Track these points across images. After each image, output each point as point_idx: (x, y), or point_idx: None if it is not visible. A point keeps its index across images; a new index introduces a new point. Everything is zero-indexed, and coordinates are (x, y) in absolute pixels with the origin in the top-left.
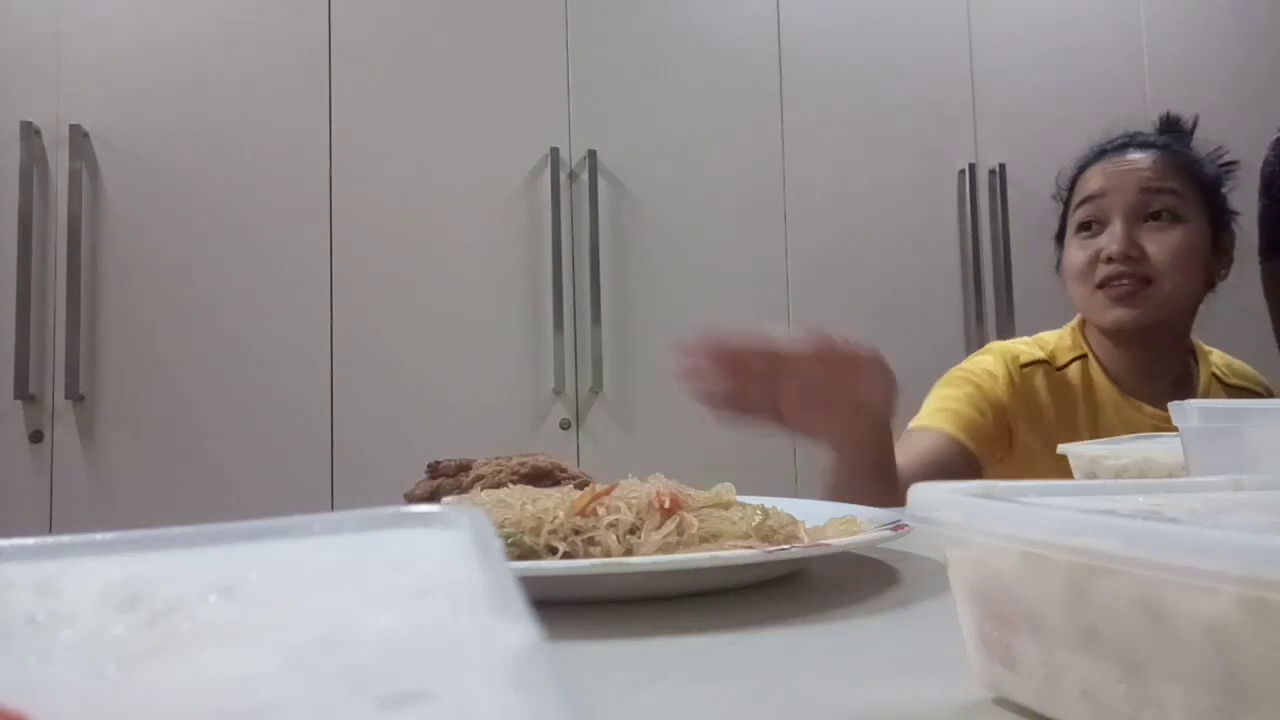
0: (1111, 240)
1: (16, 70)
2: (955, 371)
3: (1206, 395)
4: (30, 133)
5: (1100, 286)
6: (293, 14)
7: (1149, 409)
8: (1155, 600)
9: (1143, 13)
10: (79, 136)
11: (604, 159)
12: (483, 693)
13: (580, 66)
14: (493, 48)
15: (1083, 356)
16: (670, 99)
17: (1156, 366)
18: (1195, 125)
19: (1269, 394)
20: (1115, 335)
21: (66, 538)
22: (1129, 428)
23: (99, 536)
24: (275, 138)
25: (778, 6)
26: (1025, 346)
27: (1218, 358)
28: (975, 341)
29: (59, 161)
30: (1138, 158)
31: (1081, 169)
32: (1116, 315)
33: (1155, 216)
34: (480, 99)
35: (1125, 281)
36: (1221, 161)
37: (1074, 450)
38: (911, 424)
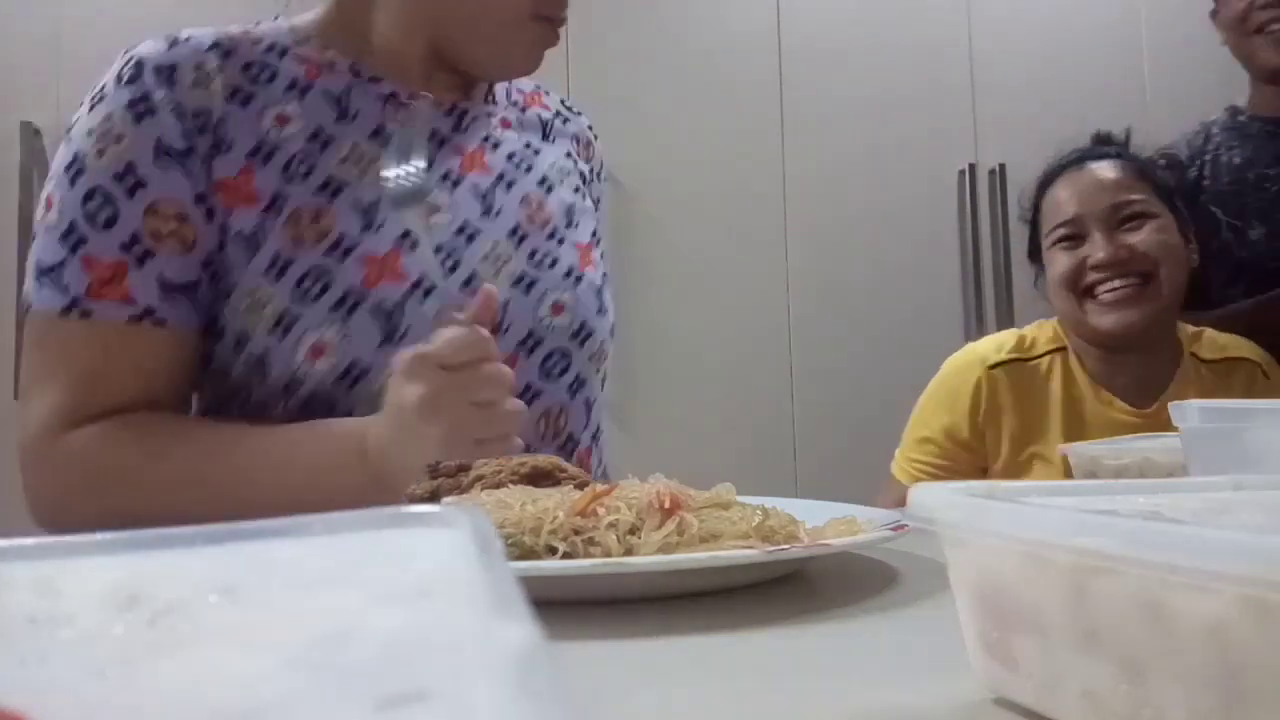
0: (1096, 248)
1: (16, 70)
2: (920, 410)
3: (1185, 376)
4: (30, 133)
5: (1092, 295)
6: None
7: (1128, 407)
8: (1155, 600)
9: (1143, 13)
10: None
11: (604, 159)
12: (483, 693)
13: (580, 66)
14: None
15: (1061, 349)
16: (670, 98)
17: (1142, 370)
18: (1128, 138)
19: (1259, 361)
20: (1111, 342)
21: (66, 538)
22: (1099, 422)
23: (99, 536)
24: None
25: (778, 7)
26: (1003, 341)
27: (1207, 337)
28: None
29: None
30: (1099, 169)
31: (1043, 189)
32: (1116, 319)
33: (1129, 220)
34: None
35: (1120, 284)
36: (1169, 165)
37: (1074, 450)
38: (893, 466)
